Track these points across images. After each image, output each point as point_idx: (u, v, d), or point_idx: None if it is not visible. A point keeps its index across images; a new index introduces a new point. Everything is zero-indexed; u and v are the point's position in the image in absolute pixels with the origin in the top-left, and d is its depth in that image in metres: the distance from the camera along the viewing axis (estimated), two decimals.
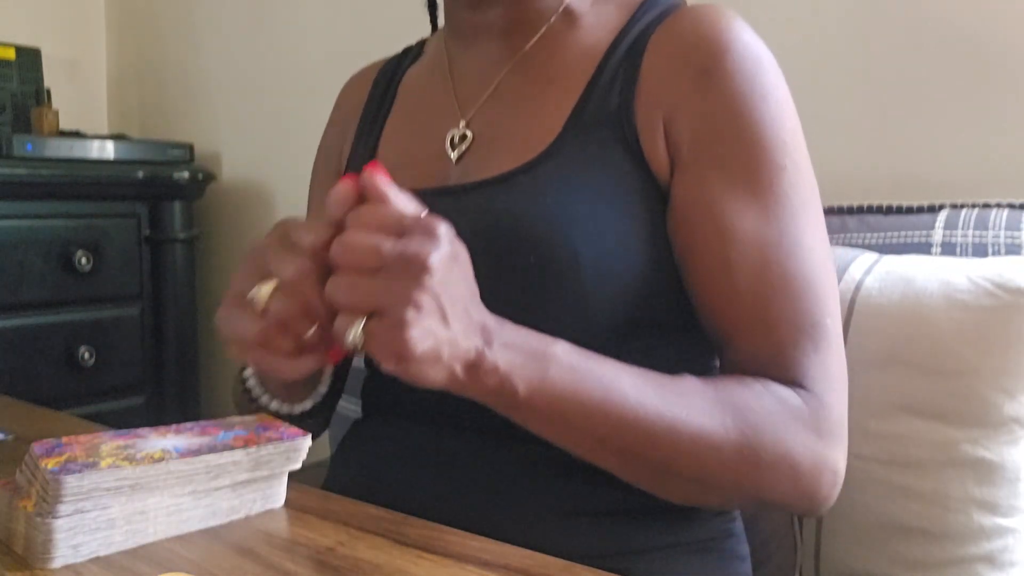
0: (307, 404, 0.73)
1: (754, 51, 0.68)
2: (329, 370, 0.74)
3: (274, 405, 0.72)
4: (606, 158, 0.67)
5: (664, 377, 0.61)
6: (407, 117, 0.82)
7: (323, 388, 0.74)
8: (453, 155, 0.75)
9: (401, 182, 0.73)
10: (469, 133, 0.75)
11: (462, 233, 0.64)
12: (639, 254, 0.66)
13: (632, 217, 0.66)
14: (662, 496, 0.63)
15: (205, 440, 0.56)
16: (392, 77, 0.87)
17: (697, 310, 0.68)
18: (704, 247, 0.65)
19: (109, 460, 0.51)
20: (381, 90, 0.86)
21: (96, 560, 0.51)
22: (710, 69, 0.67)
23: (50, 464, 0.50)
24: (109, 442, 0.55)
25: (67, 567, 0.50)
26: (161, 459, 0.52)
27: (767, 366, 0.63)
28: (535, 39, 0.75)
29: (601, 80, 0.70)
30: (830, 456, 0.62)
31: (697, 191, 0.66)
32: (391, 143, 0.81)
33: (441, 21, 0.87)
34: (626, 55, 0.71)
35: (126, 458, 0.52)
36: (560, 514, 0.66)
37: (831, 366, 0.64)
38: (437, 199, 0.70)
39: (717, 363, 0.71)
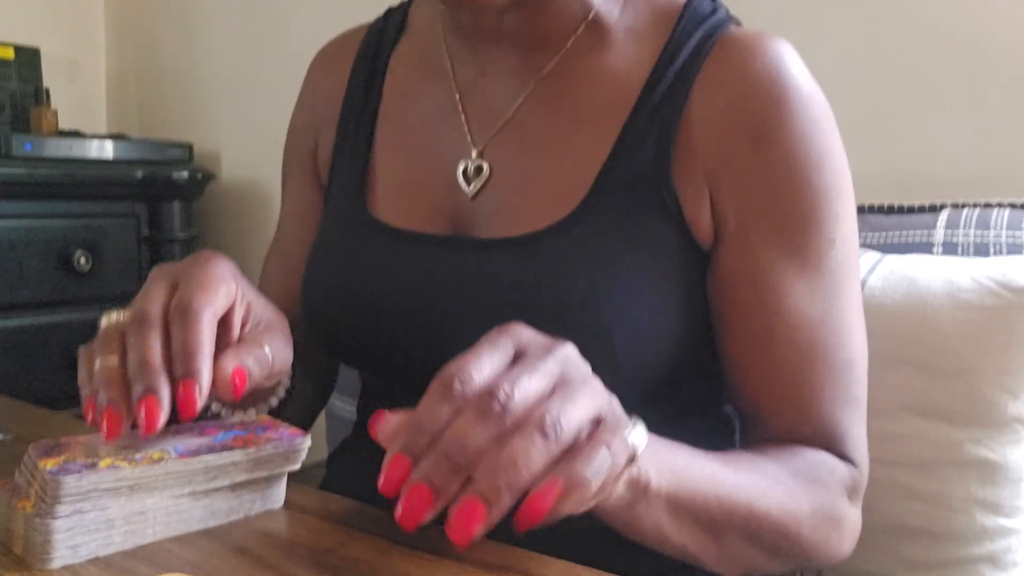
0: (250, 414, 0.65)
1: (813, 109, 0.64)
2: (285, 381, 0.66)
3: (215, 407, 0.65)
4: (641, 225, 0.62)
5: (734, 453, 0.60)
6: (404, 127, 0.73)
7: (274, 400, 0.66)
8: (468, 190, 0.67)
9: (406, 213, 0.69)
10: (485, 166, 0.67)
11: (483, 299, 0.63)
12: (673, 331, 0.63)
13: (669, 292, 0.63)
14: (732, 572, 0.61)
15: (204, 441, 0.56)
16: (376, 58, 0.76)
17: (729, 380, 0.66)
18: (747, 320, 0.63)
19: (108, 460, 0.51)
20: (363, 78, 0.76)
21: (95, 561, 0.51)
22: (767, 136, 0.62)
23: (48, 464, 0.50)
24: (108, 443, 0.55)
25: (66, 568, 0.50)
26: (160, 459, 0.52)
27: (808, 439, 0.63)
28: (558, 58, 0.67)
29: (636, 126, 0.64)
30: (859, 520, 0.65)
31: (744, 262, 0.63)
32: (388, 160, 0.73)
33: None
34: (664, 98, 0.64)
35: (125, 459, 0.52)
36: (564, 537, 0.64)
37: (864, 437, 0.66)
38: (455, 253, 0.66)
39: (738, 433, 0.71)
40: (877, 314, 0.84)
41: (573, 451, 0.42)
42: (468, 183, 0.67)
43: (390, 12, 0.80)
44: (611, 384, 0.59)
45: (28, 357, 1.70)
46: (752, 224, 0.63)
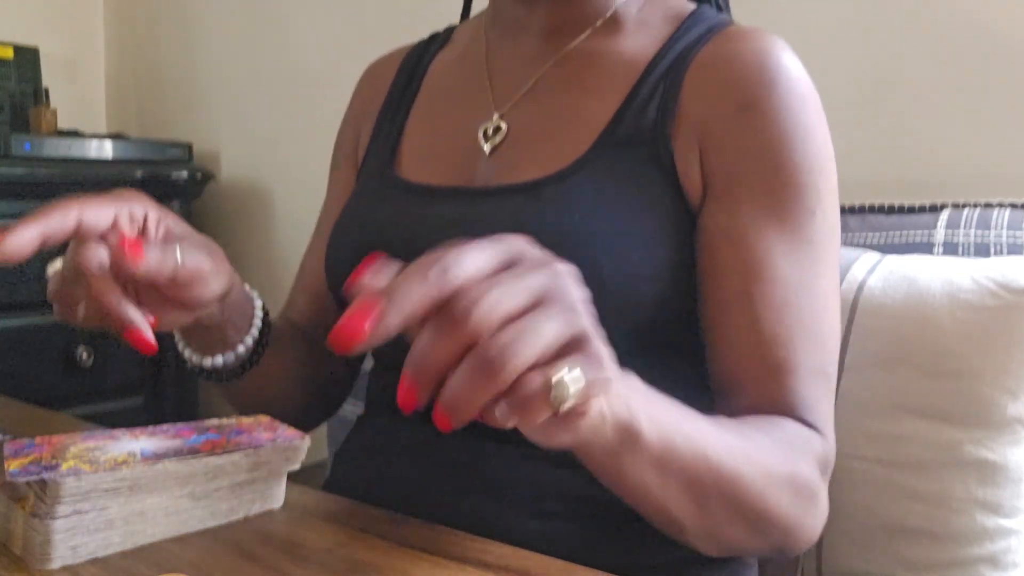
0: (218, 360, 0.69)
1: (800, 87, 0.68)
2: (252, 331, 0.70)
3: (187, 352, 0.70)
4: (638, 176, 0.67)
5: (718, 418, 0.58)
6: (436, 104, 0.81)
7: (242, 348, 0.69)
8: (486, 147, 0.74)
9: (429, 171, 0.76)
10: (503, 126, 0.74)
11: (485, 237, 0.65)
12: (664, 277, 0.65)
13: (660, 239, 0.66)
14: (711, 547, 0.60)
15: (174, 444, 0.56)
16: (418, 63, 0.85)
17: (708, 348, 0.67)
18: (726, 277, 0.65)
19: (71, 463, 0.51)
20: (406, 76, 0.85)
21: (95, 561, 0.50)
22: (754, 104, 0.66)
23: (12, 466, 0.49)
24: (79, 443, 0.55)
25: (65, 568, 0.49)
26: (124, 462, 0.52)
27: (778, 406, 0.63)
28: (578, 40, 0.75)
29: (640, 94, 0.70)
30: (827, 500, 0.63)
31: (727, 221, 0.65)
32: (418, 130, 0.80)
33: (473, 11, 0.87)
34: (667, 71, 0.70)
35: (89, 461, 0.51)
36: (567, 522, 0.65)
37: (832, 414, 0.66)
38: (463, 200, 0.71)
39: None
40: (877, 314, 0.84)
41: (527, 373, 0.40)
42: (486, 141, 0.74)
43: (436, 34, 0.89)
44: (601, 321, 0.60)
45: (27, 357, 1.70)
46: (736, 184, 0.66)
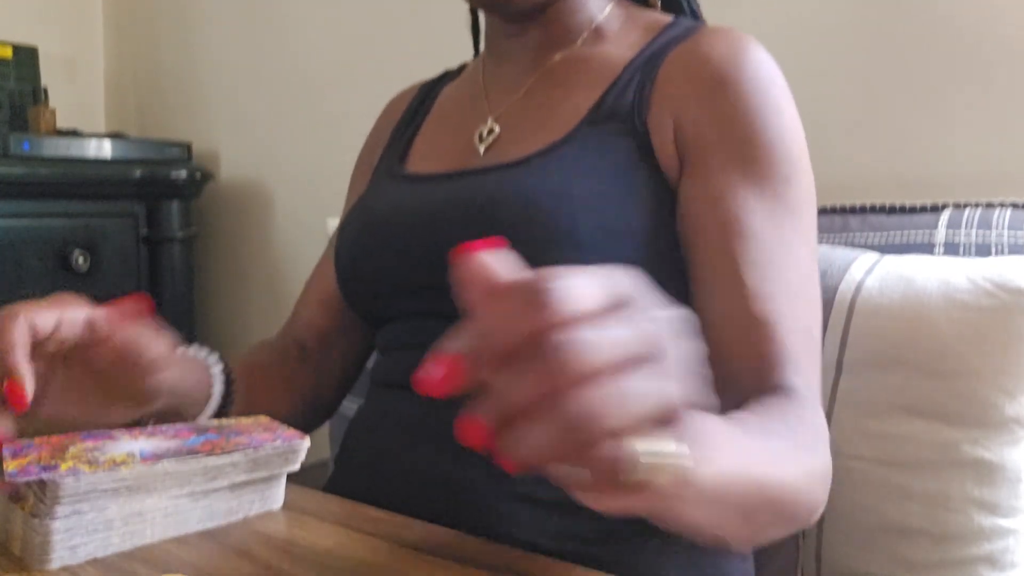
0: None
1: (768, 70, 0.72)
2: (210, 402, 0.72)
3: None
4: (616, 147, 0.71)
5: (750, 417, 0.57)
6: (440, 120, 0.89)
7: (203, 418, 0.72)
8: (481, 148, 0.80)
9: (427, 168, 0.82)
10: (496, 127, 0.80)
11: (478, 206, 0.71)
12: (639, 238, 0.68)
13: (635, 201, 0.69)
14: (746, 548, 0.60)
15: (172, 444, 0.56)
16: (430, 92, 0.94)
17: (696, 309, 0.67)
18: (707, 237, 0.67)
19: (70, 463, 0.51)
20: (418, 102, 0.93)
21: (94, 562, 0.50)
22: (725, 81, 0.70)
23: (11, 466, 0.49)
24: (79, 443, 0.55)
25: (64, 568, 0.49)
26: (123, 462, 0.51)
27: (769, 363, 0.63)
28: (564, 52, 0.81)
29: (619, 83, 0.75)
30: None
31: (704, 186, 0.68)
32: (423, 140, 0.87)
33: (482, 46, 0.93)
34: (645, 63, 0.75)
35: (88, 461, 0.51)
36: (559, 490, 0.65)
37: (819, 376, 0.66)
38: (459, 179, 0.76)
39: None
40: (874, 315, 0.84)
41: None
42: (481, 142, 0.80)
43: (449, 70, 0.97)
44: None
45: None
46: (711, 154, 0.69)
